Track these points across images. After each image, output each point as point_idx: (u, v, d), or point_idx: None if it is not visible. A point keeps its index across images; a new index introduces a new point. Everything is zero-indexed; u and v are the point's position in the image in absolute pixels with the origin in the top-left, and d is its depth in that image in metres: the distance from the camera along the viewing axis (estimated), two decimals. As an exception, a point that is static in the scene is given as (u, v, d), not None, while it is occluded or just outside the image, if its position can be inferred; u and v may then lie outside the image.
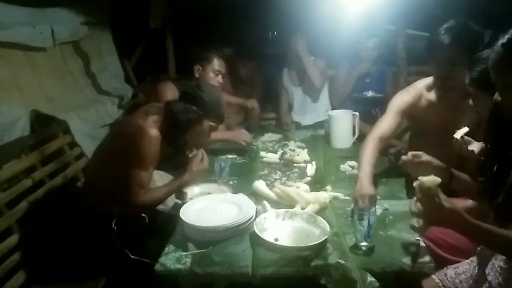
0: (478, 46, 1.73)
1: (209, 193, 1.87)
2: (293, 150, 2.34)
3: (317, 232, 1.48)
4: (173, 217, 1.79)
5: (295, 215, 1.60)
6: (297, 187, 1.86)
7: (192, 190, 1.88)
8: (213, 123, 1.90)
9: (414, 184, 1.18)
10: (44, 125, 2.35)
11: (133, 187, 1.73)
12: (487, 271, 1.26)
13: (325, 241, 1.41)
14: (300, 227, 1.55)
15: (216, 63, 2.50)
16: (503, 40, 1.09)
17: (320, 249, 1.38)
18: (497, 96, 1.16)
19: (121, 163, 1.75)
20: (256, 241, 1.44)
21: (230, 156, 2.41)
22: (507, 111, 1.15)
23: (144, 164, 1.74)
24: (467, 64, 1.64)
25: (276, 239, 1.44)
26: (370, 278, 1.27)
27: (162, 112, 1.83)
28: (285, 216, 1.60)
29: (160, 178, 2.34)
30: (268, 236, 1.45)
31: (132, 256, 1.64)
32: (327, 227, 1.46)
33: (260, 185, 1.85)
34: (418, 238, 1.45)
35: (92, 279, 1.78)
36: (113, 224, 1.76)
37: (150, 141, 1.72)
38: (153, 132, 1.74)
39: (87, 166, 2.01)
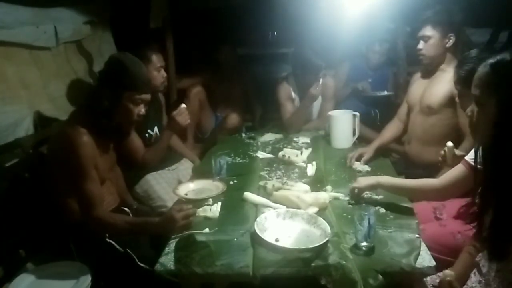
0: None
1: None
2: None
3: (317, 233, 1.48)
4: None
5: (295, 215, 1.60)
6: (292, 185, 1.87)
7: (187, 186, 1.86)
8: (136, 94, 1.70)
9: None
10: (46, 126, 2.36)
11: (82, 203, 1.62)
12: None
13: (326, 242, 1.40)
14: (300, 227, 1.54)
15: (156, 60, 2.42)
16: (493, 60, 1.10)
17: (320, 251, 1.38)
18: (470, 109, 1.18)
19: (62, 179, 1.67)
20: (257, 241, 1.44)
21: (228, 157, 2.40)
22: (475, 125, 1.17)
23: (82, 175, 1.61)
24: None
25: (276, 240, 1.44)
26: (370, 279, 1.27)
27: (84, 111, 1.71)
28: (286, 216, 1.60)
29: (157, 182, 2.35)
30: (268, 236, 1.45)
31: (139, 264, 1.63)
32: (328, 229, 1.46)
33: (250, 196, 1.80)
34: (419, 236, 1.45)
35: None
36: None
37: (79, 149, 1.60)
38: (81, 138, 1.61)
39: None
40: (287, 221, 1.58)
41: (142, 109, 1.74)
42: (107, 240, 1.69)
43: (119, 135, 1.83)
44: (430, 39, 2.16)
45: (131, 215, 1.88)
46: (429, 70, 2.29)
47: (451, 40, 2.15)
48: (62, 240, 1.78)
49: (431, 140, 2.23)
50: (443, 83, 2.17)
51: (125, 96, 1.68)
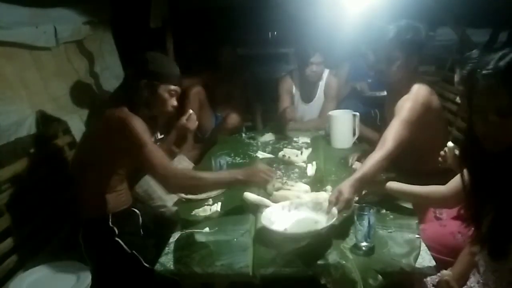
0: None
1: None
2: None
3: (325, 218, 1.49)
4: (173, 216, 1.79)
5: (300, 205, 1.61)
6: (292, 185, 1.87)
7: None
8: (171, 86, 1.83)
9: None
10: (48, 125, 2.36)
11: (154, 164, 1.66)
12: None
13: (335, 223, 1.42)
14: (307, 216, 1.56)
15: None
16: (501, 65, 0.98)
17: (331, 233, 1.40)
18: (492, 119, 1.02)
19: (125, 155, 1.74)
20: (263, 235, 1.45)
21: (228, 157, 2.41)
22: (487, 136, 1.05)
23: (144, 143, 1.66)
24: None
25: (285, 230, 1.45)
26: (370, 279, 1.27)
27: (123, 102, 1.77)
28: (291, 208, 1.61)
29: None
30: (276, 228, 1.47)
31: (145, 265, 1.64)
32: (335, 210, 1.46)
33: (250, 196, 1.77)
34: (419, 236, 1.45)
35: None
36: (110, 223, 1.75)
37: (136, 124, 1.67)
38: (134, 116, 1.69)
39: (72, 169, 1.94)
40: (293, 212, 1.59)
41: (174, 101, 1.87)
42: (116, 239, 1.71)
43: (155, 126, 1.92)
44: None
45: (140, 217, 1.89)
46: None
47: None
48: (72, 234, 1.83)
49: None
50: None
51: (161, 87, 1.80)
